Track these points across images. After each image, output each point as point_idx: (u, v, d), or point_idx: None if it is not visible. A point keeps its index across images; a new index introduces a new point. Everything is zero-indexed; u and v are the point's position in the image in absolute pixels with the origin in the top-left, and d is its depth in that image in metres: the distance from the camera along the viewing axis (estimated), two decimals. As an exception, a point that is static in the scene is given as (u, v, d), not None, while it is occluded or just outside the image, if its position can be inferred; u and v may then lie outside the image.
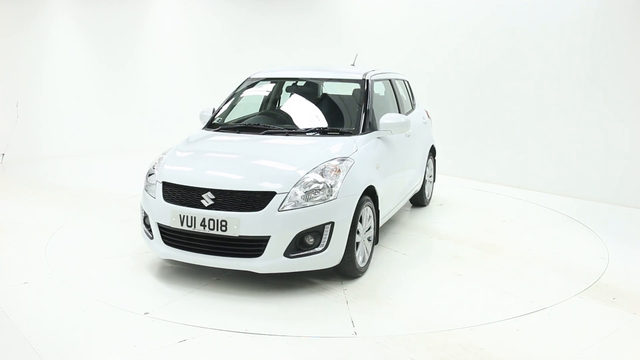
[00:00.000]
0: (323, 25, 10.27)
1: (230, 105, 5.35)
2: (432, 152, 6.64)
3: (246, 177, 4.00)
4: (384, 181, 4.71)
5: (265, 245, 3.82)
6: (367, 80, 5.08)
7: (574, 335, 3.50)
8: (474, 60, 8.23)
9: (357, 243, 4.21)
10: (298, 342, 3.34)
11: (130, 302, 3.84)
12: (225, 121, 5.15)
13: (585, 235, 5.57)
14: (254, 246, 3.84)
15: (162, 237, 4.13)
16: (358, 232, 4.19)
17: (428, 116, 6.69)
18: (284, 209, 3.82)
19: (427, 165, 6.35)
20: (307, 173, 3.96)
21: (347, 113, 5.01)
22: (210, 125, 5.09)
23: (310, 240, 3.91)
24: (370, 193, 4.41)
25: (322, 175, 3.98)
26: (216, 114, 5.25)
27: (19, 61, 8.99)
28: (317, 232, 3.89)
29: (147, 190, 4.33)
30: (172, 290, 4.05)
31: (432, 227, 5.72)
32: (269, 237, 3.80)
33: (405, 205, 6.44)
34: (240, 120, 5.19)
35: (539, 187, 7.49)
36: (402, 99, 5.92)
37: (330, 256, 3.97)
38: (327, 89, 5.65)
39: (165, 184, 4.15)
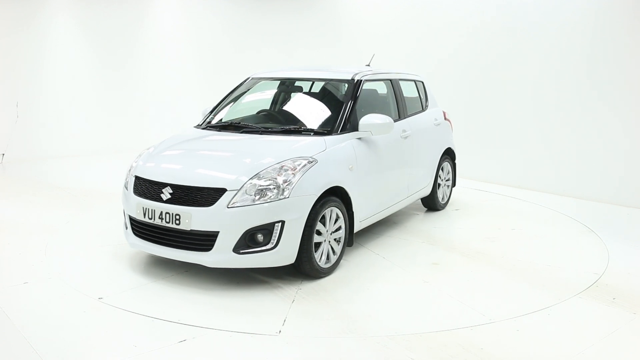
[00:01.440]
0: (323, 25, 10.27)
1: (224, 104, 5.46)
2: (450, 154, 6.48)
3: (202, 174, 4.12)
4: (361, 183, 4.65)
5: (214, 240, 3.91)
6: (356, 81, 5.05)
7: (574, 335, 3.50)
8: (474, 60, 8.23)
9: (319, 243, 4.23)
10: (298, 342, 3.34)
11: (130, 302, 3.84)
12: (212, 120, 5.27)
13: (585, 235, 5.57)
14: (205, 241, 3.95)
15: (132, 229, 4.37)
16: (320, 233, 4.21)
17: (445, 118, 6.47)
18: (234, 205, 3.89)
19: (440, 168, 6.19)
20: (261, 171, 4.01)
21: (328, 113, 4.94)
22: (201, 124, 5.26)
23: (260, 237, 3.94)
24: (341, 194, 4.42)
25: (276, 174, 4.01)
26: (210, 113, 5.37)
27: (19, 61, 9.00)
28: (267, 230, 3.93)
29: (125, 185, 4.54)
30: (144, 279, 4.19)
31: (433, 232, 5.61)
32: (218, 232, 3.90)
33: (418, 209, 6.35)
34: (227, 120, 5.27)
35: (539, 187, 7.50)
36: (406, 100, 5.80)
37: (281, 255, 4.00)
38: (317, 89, 5.58)
39: (136, 177, 4.38)
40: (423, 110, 6.13)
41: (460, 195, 7.06)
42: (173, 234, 4.05)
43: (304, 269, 4.18)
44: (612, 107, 6.89)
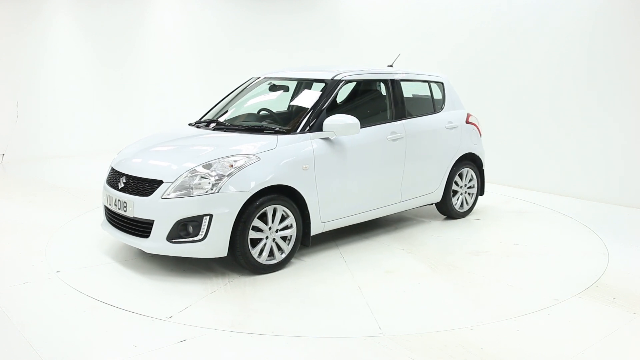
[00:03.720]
0: (324, 26, 10.28)
1: (218, 103, 5.68)
2: (475, 161, 6.14)
3: (148, 166, 4.46)
4: (320, 184, 4.59)
5: (151, 228, 4.19)
6: (334, 81, 5.01)
7: (574, 335, 3.50)
8: (473, 61, 8.23)
9: (259, 240, 4.31)
10: (299, 341, 3.34)
11: (130, 302, 3.84)
12: (202, 118, 5.51)
13: (585, 236, 5.57)
14: (144, 228, 4.26)
15: (105, 214, 4.77)
16: (259, 230, 4.28)
17: (468, 121, 6.05)
18: (167, 196, 4.13)
19: (457, 174, 5.92)
20: (196, 166, 4.21)
21: (301, 112, 4.89)
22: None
23: (190, 229, 4.14)
24: (295, 194, 4.47)
25: (211, 169, 4.18)
26: (208, 112, 5.59)
27: (19, 61, 9.00)
28: (196, 222, 4.12)
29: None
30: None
31: (426, 240, 5.31)
32: (153, 221, 4.17)
33: (435, 217, 6.09)
34: (214, 118, 5.41)
35: (538, 187, 7.49)
36: (411, 101, 5.65)
37: (211, 247, 4.15)
38: (315, 89, 5.50)
39: (111, 168, 4.76)
40: (435, 112, 5.83)
41: (494, 203, 6.72)
42: (122, 219, 4.42)
43: (239, 262, 4.30)
44: (612, 107, 6.89)
